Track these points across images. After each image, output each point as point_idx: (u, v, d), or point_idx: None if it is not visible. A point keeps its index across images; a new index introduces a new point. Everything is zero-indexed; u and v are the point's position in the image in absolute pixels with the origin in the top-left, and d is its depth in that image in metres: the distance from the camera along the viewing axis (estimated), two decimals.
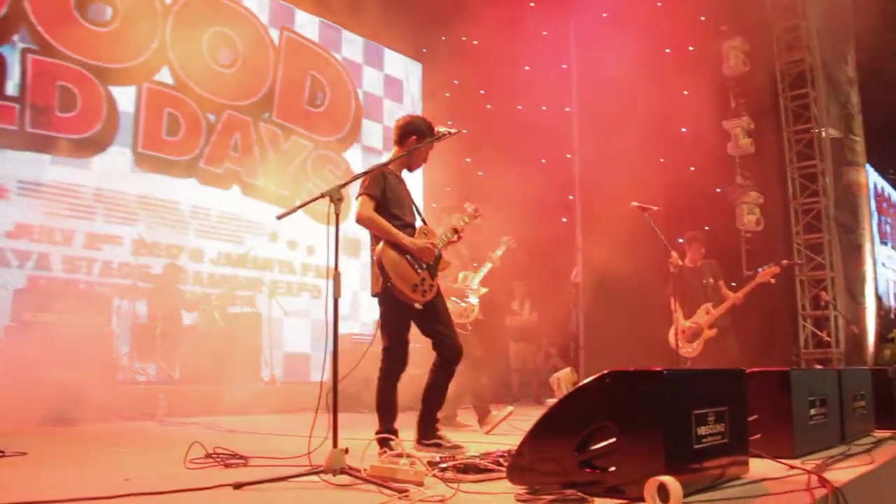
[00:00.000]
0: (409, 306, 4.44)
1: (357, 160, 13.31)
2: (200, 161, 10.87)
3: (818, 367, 9.33)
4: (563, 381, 10.25)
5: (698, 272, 7.90)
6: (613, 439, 2.93)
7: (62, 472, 3.87)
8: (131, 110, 10.19)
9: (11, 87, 8.91)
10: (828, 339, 10.01)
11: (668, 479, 2.69)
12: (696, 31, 10.63)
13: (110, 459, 4.50)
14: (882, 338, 11.03)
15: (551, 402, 10.14)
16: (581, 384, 3.11)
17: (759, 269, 7.72)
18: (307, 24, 12.84)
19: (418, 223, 4.74)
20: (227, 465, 3.93)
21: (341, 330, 10.38)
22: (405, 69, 14.75)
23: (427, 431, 4.46)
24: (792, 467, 3.51)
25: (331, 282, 3.41)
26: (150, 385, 8.66)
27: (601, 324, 10.78)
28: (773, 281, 7.50)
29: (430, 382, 4.56)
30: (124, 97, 10.13)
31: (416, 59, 14.87)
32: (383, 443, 4.32)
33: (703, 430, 3.10)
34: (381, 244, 4.41)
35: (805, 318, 10.27)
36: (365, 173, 4.24)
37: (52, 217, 8.97)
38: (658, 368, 2.98)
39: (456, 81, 14.05)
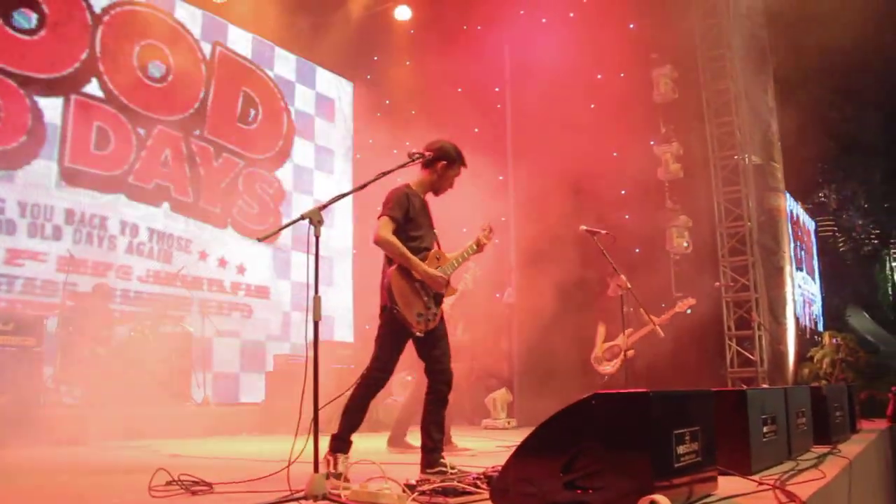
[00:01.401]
0: (408, 330, 4.39)
1: (289, 178, 13.17)
2: (130, 176, 10.56)
3: (760, 386, 9.68)
4: (499, 401, 10.33)
5: (619, 301, 8.26)
6: (601, 459, 2.98)
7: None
8: (58, 122, 9.85)
9: None
10: (753, 358, 10.37)
11: (659, 498, 2.75)
12: (626, 57, 10.93)
13: (65, 489, 4.30)
14: (801, 357, 11.53)
15: (488, 422, 10.28)
16: (567, 406, 3.14)
17: (679, 301, 8.25)
18: (240, 41, 12.69)
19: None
20: (193, 493, 3.81)
21: (274, 350, 10.27)
22: (337, 88, 14.71)
23: (430, 461, 4.37)
24: (760, 483, 3.64)
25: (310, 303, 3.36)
26: (77, 408, 8.31)
27: (534, 344, 10.90)
28: (688, 311, 7.90)
29: (424, 415, 4.46)
30: (51, 109, 9.78)
31: (348, 78, 14.85)
32: (335, 447, 4.22)
33: (681, 449, 3.19)
34: (393, 267, 4.37)
35: (731, 338, 10.62)
36: (335, 199, 4.15)
37: None
38: (642, 390, 3.05)
39: (387, 101, 14.08)
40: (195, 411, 9.30)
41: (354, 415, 4.36)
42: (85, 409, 8.13)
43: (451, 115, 11.70)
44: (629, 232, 10.04)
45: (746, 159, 10.97)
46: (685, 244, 10.49)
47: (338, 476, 3.79)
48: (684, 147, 10.85)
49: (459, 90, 12.87)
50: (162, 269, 10.78)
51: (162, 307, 9.94)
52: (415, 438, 6.59)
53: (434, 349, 4.50)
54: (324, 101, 14.36)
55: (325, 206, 3.62)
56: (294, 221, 3.53)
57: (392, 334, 4.38)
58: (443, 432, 4.50)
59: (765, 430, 4.54)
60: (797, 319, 12.55)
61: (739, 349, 10.55)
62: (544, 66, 11.21)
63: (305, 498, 3.25)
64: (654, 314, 7.88)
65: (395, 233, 4.38)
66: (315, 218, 3.43)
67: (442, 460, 4.34)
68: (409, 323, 4.32)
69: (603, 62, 11.25)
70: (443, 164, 4.61)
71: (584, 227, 6.52)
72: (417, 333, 4.36)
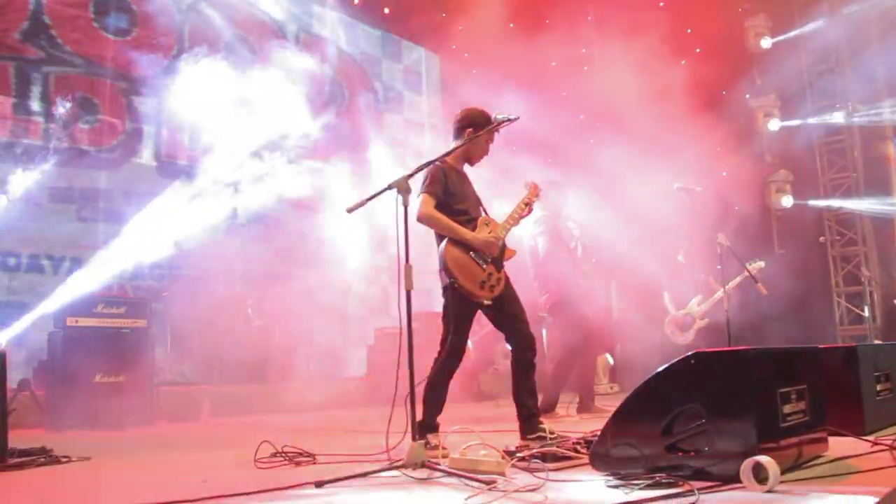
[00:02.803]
0: (475, 303, 4.36)
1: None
2: None
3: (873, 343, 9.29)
4: (601, 366, 10.23)
5: (689, 267, 8.28)
6: (702, 421, 2.90)
7: (136, 476, 3.87)
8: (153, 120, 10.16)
9: None
10: (864, 314, 9.92)
11: (765, 459, 2.66)
12: (717, 10, 10.50)
13: (177, 462, 4.49)
14: None
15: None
16: (664, 367, 3.07)
17: (748, 264, 7.83)
18: (323, 21, 12.79)
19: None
20: (296, 464, 3.92)
21: (375, 324, 10.33)
22: (424, 60, 14.68)
23: (528, 427, 4.35)
24: (874, 443, 3.48)
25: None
26: (187, 387, 8.66)
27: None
28: (758, 275, 7.62)
29: (515, 382, 4.44)
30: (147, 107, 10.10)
31: (432, 49, 14.79)
32: (422, 433, 4.25)
33: (787, 409, 3.07)
34: (445, 242, 4.31)
35: (839, 295, 10.19)
36: (422, 167, 4.16)
37: None
38: (743, 347, 2.95)
39: (474, 70, 13.92)
40: (300, 386, 9.54)
41: (436, 397, 4.36)
42: (194, 388, 8.47)
43: (538, 81, 11.49)
44: (727, 188, 9.70)
45: (850, 107, 10.43)
46: (785, 199, 10.08)
47: (434, 447, 3.81)
48: (781, 98, 10.40)
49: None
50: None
51: (265, 285, 10.18)
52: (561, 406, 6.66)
53: (507, 316, 4.45)
54: (411, 74, 14.36)
55: (411, 175, 3.62)
56: (381, 192, 3.54)
57: (459, 311, 4.29)
58: (536, 397, 4.45)
59: (878, 387, 4.34)
60: None
61: (849, 306, 10.11)
62: (635, 25, 10.89)
63: (405, 466, 3.29)
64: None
65: (440, 208, 4.32)
66: (402, 187, 3.44)
67: (541, 425, 4.32)
68: (473, 294, 4.26)
69: (694, 15, 10.84)
70: (469, 131, 4.51)
71: (677, 185, 6.34)
72: (486, 302, 4.32)
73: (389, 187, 3.46)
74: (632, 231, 10.20)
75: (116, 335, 7.25)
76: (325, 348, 11.29)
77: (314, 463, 3.94)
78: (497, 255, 4.42)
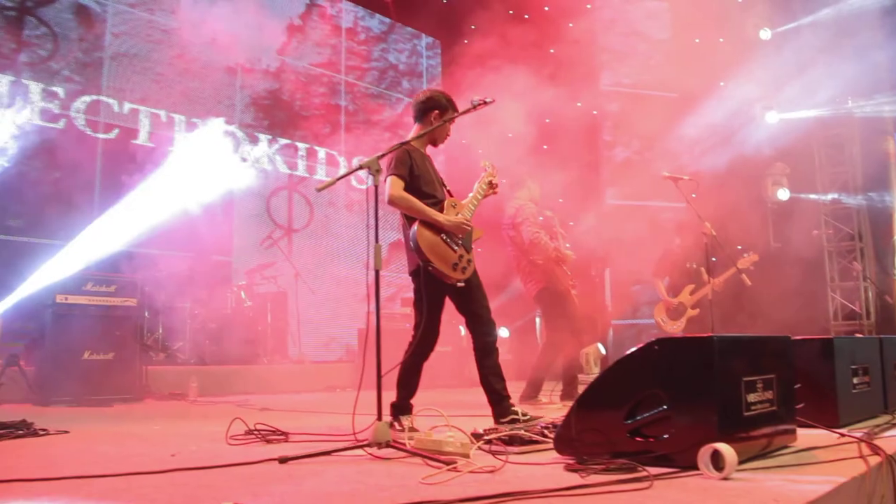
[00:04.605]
0: (446, 284, 4.37)
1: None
2: None
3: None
4: (592, 355, 10.20)
5: (683, 256, 8.25)
6: (664, 407, 2.89)
7: (108, 449, 3.89)
8: None
9: None
10: (858, 310, 9.88)
11: (722, 446, 2.65)
12: None
13: (151, 436, 4.52)
14: None
15: (581, 377, 10.21)
16: (629, 352, 3.06)
17: (743, 256, 7.84)
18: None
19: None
20: (268, 441, 3.94)
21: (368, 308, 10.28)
22: (427, 49, 14.65)
23: (499, 411, 4.38)
24: (842, 435, 3.47)
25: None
26: (177, 366, 8.70)
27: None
28: (751, 268, 7.60)
29: (479, 367, 4.47)
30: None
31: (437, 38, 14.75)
32: (395, 415, 4.30)
33: (752, 398, 3.06)
34: (416, 225, 4.30)
35: (834, 290, 10.15)
36: (393, 149, 4.17)
37: None
38: (707, 335, 2.94)
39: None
40: (290, 368, 9.59)
41: (410, 381, 4.40)
42: (184, 367, 8.51)
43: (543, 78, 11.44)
44: (722, 179, 9.65)
45: (850, 102, 10.36)
46: (781, 192, 10.03)
47: (401, 430, 3.83)
48: (779, 90, 10.33)
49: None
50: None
51: (260, 268, 10.23)
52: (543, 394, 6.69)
53: (473, 301, 4.48)
54: (413, 64, 14.35)
55: (383, 156, 3.61)
56: (353, 171, 3.54)
57: (431, 294, 4.33)
58: (503, 380, 4.47)
59: (855, 381, 4.32)
60: None
61: (843, 301, 10.07)
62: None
63: (370, 445, 3.30)
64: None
65: (408, 190, 4.32)
66: (373, 167, 3.43)
67: (513, 408, 4.33)
68: (446, 276, 4.29)
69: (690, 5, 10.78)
70: (435, 113, 4.55)
71: (665, 173, 6.32)
72: (458, 284, 4.34)
73: (360, 167, 3.45)
74: (628, 218, 10.22)
75: (106, 313, 7.28)
76: (317, 330, 11.33)
77: (286, 441, 3.95)
78: (466, 238, 4.45)
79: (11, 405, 6.44)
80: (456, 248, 4.37)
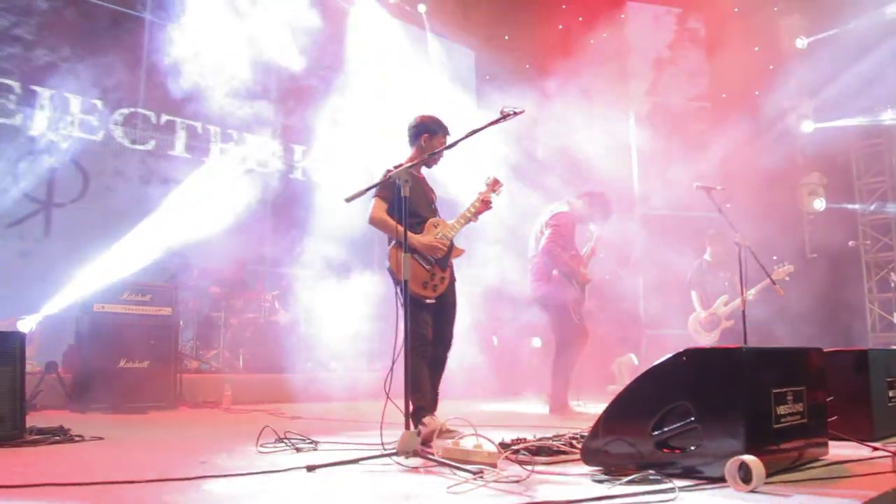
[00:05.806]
0: (423, 301, 4.55)
1: None
2: None
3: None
4: (625, 367, 10.16)
5: (716, 266, 8.30)
6: (692, 419, 2.88)
7: (139, 455, 3.95)
8: None
9: None
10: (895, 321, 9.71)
11: (750, 459, 2.63)
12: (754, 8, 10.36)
13: (183, 444, 4.58)
14: None
15: (612, 388, 10.17)
16: (657, 363, 3.05)
17: (776, 267, 7.73)
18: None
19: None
20: (297, 449, 3.97)
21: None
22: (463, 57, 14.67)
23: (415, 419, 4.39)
24: (875, 449, 3.42)
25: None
26: (212, 374, 8.79)
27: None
28: (787, 279, 7.49)
29: (430, 376, 4.64)
30: None
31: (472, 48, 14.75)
32: (417, 419, 4.31)
33: (782, 410, 3.03)
34: (391, 245, 4.57)
35: (872, 301, 9.97)
36: (383, 181, 4.27)
37: None
38: (735, 346, 2.92)
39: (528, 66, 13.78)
40: (323, 377, 9.62)
41: (418, 382, 4.41)
42: (218, 376, 8.60)
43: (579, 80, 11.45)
44: (757, 189, 9.55)
45: (889, 110, 10.19)
46: (818, 202, 9.89)
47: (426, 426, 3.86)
48: (815, 100, 10.21)
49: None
50: None
51: (292, 277, 10.28)
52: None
53: (440, 316, 4.71)
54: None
55: (413, 166, 3.64)
56: (382, 182, 3.57)
57: (414, 307, 4.40)
58: (436, 391, 4.65)
59: (891, 393, 4.26)
60: None
61: (882, 313, 9.89)
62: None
63: (397, 454, 3.32)
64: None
65: (392, 213, 4.52)
66: (403, 178, 3.47)
67: (422, 420, 4.37)
68: (416, 293, 4.48)
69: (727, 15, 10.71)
70: (425, 136, 4.80)
71: (697, 184, 6.27)
72: (428, 301, 4.57)
73: (390, 178, 3.49)
74: (662, 229, 10.16)
75: (142, 322, 7.39)
76: (354, 338, 11.36)
77: (315, 450, 3.99)
78: (442, 256, 4.66)
79: (50, 411, 6.56)
80: (428, 266, 4.62)
